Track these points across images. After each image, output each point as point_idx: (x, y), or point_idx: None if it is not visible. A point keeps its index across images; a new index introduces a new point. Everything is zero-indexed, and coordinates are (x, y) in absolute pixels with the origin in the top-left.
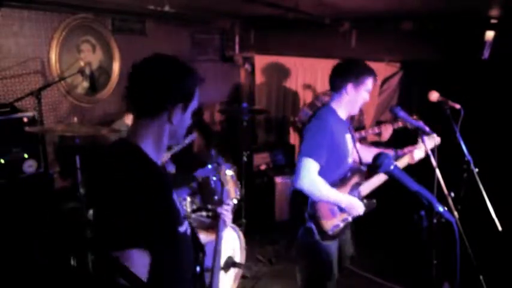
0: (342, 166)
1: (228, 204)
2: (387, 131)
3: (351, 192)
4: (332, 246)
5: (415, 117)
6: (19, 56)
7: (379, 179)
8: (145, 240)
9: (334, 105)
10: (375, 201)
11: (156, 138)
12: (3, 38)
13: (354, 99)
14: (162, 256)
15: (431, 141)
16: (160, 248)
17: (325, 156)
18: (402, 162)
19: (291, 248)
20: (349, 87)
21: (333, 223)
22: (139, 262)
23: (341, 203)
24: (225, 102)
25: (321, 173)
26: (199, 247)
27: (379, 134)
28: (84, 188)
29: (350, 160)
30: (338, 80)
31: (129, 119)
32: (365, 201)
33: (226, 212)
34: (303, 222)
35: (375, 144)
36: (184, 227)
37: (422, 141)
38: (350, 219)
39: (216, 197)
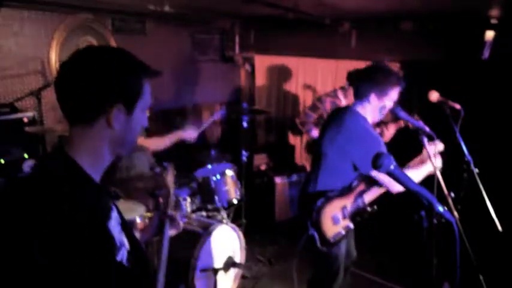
0: (355, 173)
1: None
2: (389, 132)
3: (355, 200)
4: (341, 248)
5: (416, 117)
6: (19, 56)
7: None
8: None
9: (360, 109)
10: (376, 207)
11: (93, 149)
12: (3, 38)
13: (376, 108)
14: None
15: (435, 147)
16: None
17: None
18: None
19: (294, 248)
20: (372, 96)
21: (335, 231)
22: None
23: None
24: (225, 102)
25: (336, 177)
26: (143, 270)
27: (380, 135)
28: None
29: None
30: (362, 88)
31: None
32: (369, 208)
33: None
34: (305, 230)
35: None
36: (119, 257)
37: (423, 141)
38: (352, 226)
39: (216, 197)
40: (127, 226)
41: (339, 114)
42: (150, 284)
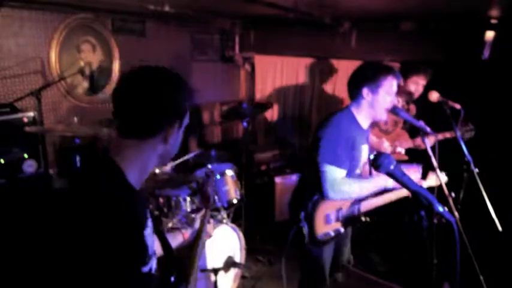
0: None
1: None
2: (402, 146)
3: (352, 205)
4: (324, 252)
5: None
6: (19, 56)
7: (383, 199)
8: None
9: (354, 110)
10: (369, 219)
11: (144, 161)
12: (3, 38)
13: (374, 104)
14: None
15: (438, 179)
16: None
17: (347, 162)
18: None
19: (285, 248)
20: (365, 91)
21: (324, 230)
22: None
23: (386, 186)
24: (225, 102)
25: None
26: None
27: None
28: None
29: (358, 171)
30: (352, 86)
31: None
32: (363, 219)
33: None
34: (297, 222)
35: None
36: (148, 266)
37: (423, 142)
38: (342, 230)
39: (216, 197)
40: (160, 232)
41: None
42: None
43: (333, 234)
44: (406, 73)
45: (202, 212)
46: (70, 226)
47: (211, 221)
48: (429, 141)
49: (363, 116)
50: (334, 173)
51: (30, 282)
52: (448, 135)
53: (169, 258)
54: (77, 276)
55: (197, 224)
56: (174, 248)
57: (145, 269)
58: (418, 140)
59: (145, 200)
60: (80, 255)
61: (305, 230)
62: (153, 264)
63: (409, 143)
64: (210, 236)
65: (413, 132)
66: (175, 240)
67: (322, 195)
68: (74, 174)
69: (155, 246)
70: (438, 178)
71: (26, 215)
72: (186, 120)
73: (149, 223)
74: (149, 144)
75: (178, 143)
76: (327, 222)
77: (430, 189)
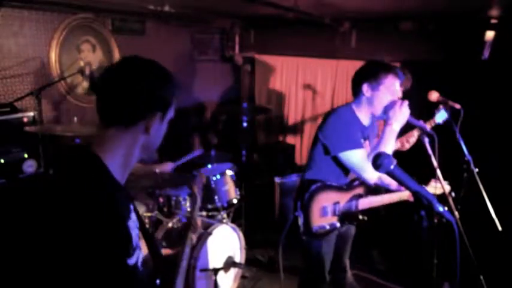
0: (345, 172)
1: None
2: (409, 142)
3: (350, 200)
4: (323, 246)
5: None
6: (19, 56)
7: (384, 199)
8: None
9: (355, 107)
10: (366, 218)
11: (127, 151)
12: (3, 38)
13: (374, 100)
14: None
15: (441, 188)
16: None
17: (361, 141)
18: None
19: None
20: (365, 87)
21: (319, 223)
22: None
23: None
24: (225, 102)
25: (324, 173)
26: (156, 275)
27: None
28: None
29: None
30: (354, 83)
31: None
32: (361, 217)
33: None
34: (294, 210)
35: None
36: (134, 259)
37: (423, 141)
38: (338, 225)
39: (216, 197)
40: (146, 231)
41: (337, 108)
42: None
43: (328, 227)
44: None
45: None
46: (52, 220)
47: (200, 217)
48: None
49: (364, 113)
50: (356, 156)
51: (18, 280)
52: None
53: (155, 258)
54: (62, 269)
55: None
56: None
57: (131, 261)
58: (401, 140)
59: (128, 193)
60: (63, 248)
61: (300, 220)
62: (139, 258)
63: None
64: (196, 230)
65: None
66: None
67: (364, 183)
68: (56, 169)
69: (141, 246)
70: (440, 182)
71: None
72: (170, 114)
73: (133, 216)
74: (130, 134)
75: (161, 135)
76: (323, 214)
77: None
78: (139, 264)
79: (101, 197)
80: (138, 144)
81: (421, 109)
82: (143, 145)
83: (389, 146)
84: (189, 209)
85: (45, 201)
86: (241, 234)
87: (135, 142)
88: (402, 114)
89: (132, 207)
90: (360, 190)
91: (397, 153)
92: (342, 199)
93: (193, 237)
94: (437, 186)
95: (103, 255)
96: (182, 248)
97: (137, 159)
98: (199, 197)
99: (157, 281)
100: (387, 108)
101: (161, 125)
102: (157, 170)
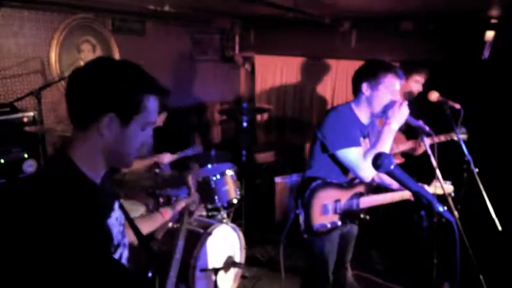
0: (344, 170)
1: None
2: (421, 147)
3: (351, 198)
4: (326, 245)
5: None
6: (19, 56)
7: (385, 197)
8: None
9: (354, 106)
10: (368, 217)
11: (88, 153)
12: (3, 38)
13: (373, 100)
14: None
15: (444, 188)
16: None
17: (359, 139)
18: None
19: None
20: (364, 86)
21: (320, 221)
22: None
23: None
24: (225, 102)
25: (324, 171)
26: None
27: (413, 149)
28: None
29: None
30: (353, 83)
31: None
32: (362, 216)
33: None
34: (295, 208)
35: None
36: (116, 256)
37: (423, 141)
38: (339, 223)
39: (216, 197)
40: (135, 226)
41: (336, 107)
42: (153, 284)
43: (329, 226)
44: (407, 72)
45: (188, 199)
46: (23, 223)
47: (198, 208)
48: (423, 144)
49: (363, 111)
50: (352, 154)
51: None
52: (442, 138)
53: (145, 250)
54: (43, 273)
55: (179, 206)
56: (156, 229)
57: (116, 255)
58: (414, 143)
59: (110, 192)
60: (38, 251)
61: (301, 218)
62: (123, 255)
63: (405, 145)
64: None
65: (410, 134)
66: (155, 221)
67: (360, 182)
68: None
69: (130, 237)
70: (440, 183)
71: None
72: (145, 118)
73: (114, 214)
74: (88, 135)
75: (129, 141)
76: (323, 212)
77: None
78: (123, 260)
79: (72, 198)
80: (97, 147)
81: (421, 109)
82: (105, 150)
83: (387, 145)
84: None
85: (17, 201)
86: (241, 234)
87: (94, 145)
88: (401, 114)
89: (116, 204)
90: (361, 188)
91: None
92: (343, 197)
93: (191, 220)
94: (438, 186)
95: (83, 253)
96: (176, 239)
97: (104, 164)
98: (193, 188)
99: (150, 274)
100: (386, 108)
101: (125, 130)
102: (155, 159)
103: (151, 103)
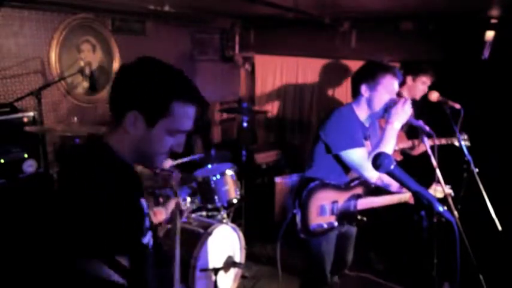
0: (346, 171)
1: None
2: (420, 147)
3: (348, 200)
4: (323, 245)
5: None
6: (19, 56)
7: (383, 200)
8: (105, 250)
9: (355, 107)
10: (365, 219)
11: (121, 145)
12: (3, 38)
13: (372, 101)
14: (122, 268)
15: (442, 191)
16: (121, 259)
17: (362, 139)
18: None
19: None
20: (363, 88)
21: (317, 221)
22: (101, 272)
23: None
24: (225, 102)
25: (325, 171)
26: (163, 261)
27: (412, 148)
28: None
29: None
30: (353, 84)
31: None
32: (359, 217)
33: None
34: (293, 207)
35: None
36: (146, 238)
37: (423, 141)
38: (336, 224)
39: (216, 197)
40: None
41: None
42: (169, 272)
43: (326, 226)
44: (414, 73)
45: (176, 199)
46: (65, 202)
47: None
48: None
49: (364, 112)
50: (357, 154)
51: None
52: (443, 141)
53: (155, 248)
54: (81, 246)
55: (170, 205)
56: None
57: (144, 240)
58: (414, 142)
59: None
60: (79, 227)
61: (298, 217)
62: (150, 239)
63: (405, 143)
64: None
65: (411, 134)
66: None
67: (363, 182)
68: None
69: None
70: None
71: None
72: (169, 122)
73: (142, 200)
74: (119, 130)
75: (153, 142)
76: (321, 213)
77: None
78: (150, 245)
79: (111, 174)
80: (125, 142)
81: (421, 109)
82: (131, 145)
83: (391, 144)
84: (187, 207)
85: (59, 187)
86: (241, 234)
87: (124, 139)
88: (404, 112)
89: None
90: (359, 190)
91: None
92: (341, 198)
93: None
94: (438, 189)
95: (119, 230)
96: (173, 238)
97: (132, 159)
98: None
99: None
100: (387, 107)
101: (150, 130)
102: (157, 170)
103: (183, 111)
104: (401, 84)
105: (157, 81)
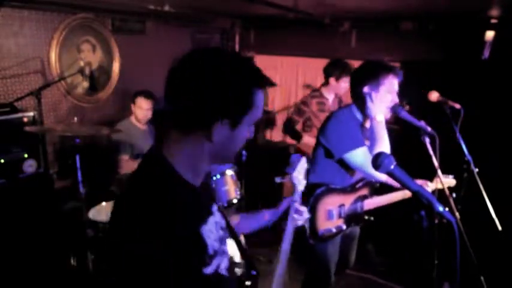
0: (350, 172)
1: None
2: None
3: (355, 202)
4: (329, 248)
5: (407, 107)
6: (19, 56)
7: (387, 198)
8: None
9: (355, 107)
10: (373, 218)
11: (189, 157)
12: (3, 38)
13: (374, 101)
14: None
15: (441, 183)
16: None
17: (363, 139)
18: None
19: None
20: (366, 89)
21: (326, 226)
22: None
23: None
24: None
25: (329, 175)
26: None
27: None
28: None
29: None
30: (353, 85)
31: (134, 119)
32: (367, 217)
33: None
34: None
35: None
36: (212, 267)
37: (423, 141)
38: (344, 227)
39: (216, 197)
40: (231, 229)
41: (337, 112)
42: None
43: (334, 230)
44: (337, 75)
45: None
46: (119, 227)
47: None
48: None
49: (364, 114)
50: (360, 155)
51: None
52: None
53: (242, 255)
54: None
55: (283, 207)
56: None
57: (208, 270)
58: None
59: (209, 195)
60: (129, 256)
61: (306, 224)
62: (222, 263)
63: None
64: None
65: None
66: (258, 221)
67: (368, 182)
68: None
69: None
70: (441, 182)
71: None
72: (251, 115)
73: (213, 219)
74: (191, 140)
75: (235, 141)
76: (328, 218)
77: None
78: (221, 270)
79: (165, 202)
80: (203, 151)
81: (421, 109)
82: (210, 153)
83: (385, 139)
84: None
85: (118, 211)
86: (241, 234)
87: (198, 149)
88: (375, 104)
89: (214, 208)
90: (364, 191)
91: (396, 152)
92: (347, 201)
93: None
94: (446, 181)
95: (170, 264)
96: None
97: (207, 165)
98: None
99: (253, 272)
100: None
101: (235, 131)
102: None
103: (260, 98)
104: (325, 84)
105: (240, 78)
